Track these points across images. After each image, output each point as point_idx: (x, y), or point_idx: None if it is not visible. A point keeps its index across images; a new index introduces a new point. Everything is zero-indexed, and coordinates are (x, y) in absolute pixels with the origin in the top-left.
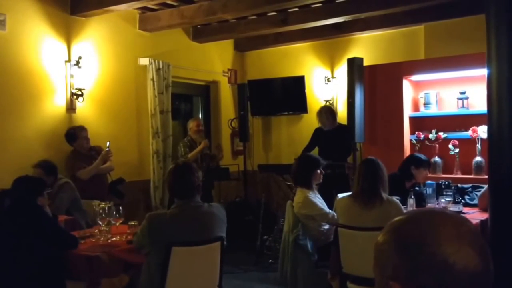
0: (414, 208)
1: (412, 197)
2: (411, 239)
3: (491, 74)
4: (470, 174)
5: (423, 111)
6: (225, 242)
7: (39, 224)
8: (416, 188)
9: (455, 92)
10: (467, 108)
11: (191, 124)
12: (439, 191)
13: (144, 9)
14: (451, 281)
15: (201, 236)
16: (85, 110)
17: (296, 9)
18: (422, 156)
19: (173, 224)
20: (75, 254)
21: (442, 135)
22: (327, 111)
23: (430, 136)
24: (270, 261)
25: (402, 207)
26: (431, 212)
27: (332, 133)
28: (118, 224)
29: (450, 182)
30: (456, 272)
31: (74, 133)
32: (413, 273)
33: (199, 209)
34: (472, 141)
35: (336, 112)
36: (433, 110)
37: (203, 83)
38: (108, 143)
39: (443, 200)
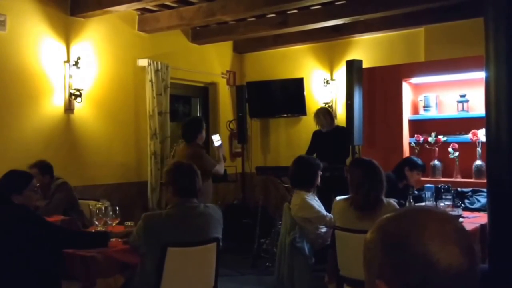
0: None
1: (411, 201)
2: (396, 237)
3: (489, 77)
4: (471, 178)
5: (423, 114)
6: (221, 243)
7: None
8: (415, 191)
9: (455, 95)
10: (467, 111)
11: None
12: (438, 195)
13: (143, 10)
14: (435, 280)
15: (197, 237)
16: (83, 111)
17: (296, 11)
18: (419, 160)
19: (169, 225)
20: (70, 254)
21: (441, 138)
22: (324, 112)
23: (430, 139)
24: (267, 264)
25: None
26: (416, 210)
27: (330, 135)
28: (114, 224)
29: (450, 186)
30: (440, 271)
31: (201, 123)
32: (398, 272)
33: (195, 209)
34: (472, 144)
35: (333, 113)
36: (432, 113)
37: (201, 85)
38: (218, 136)
39: (442, 204)
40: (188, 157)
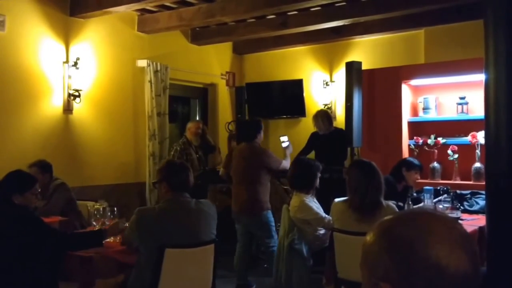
0: None
1: (410, 202)
2: (403, 241)
3: (489, 80)
4: (469, 180)
5: (422, 116)
6: (216, 239)
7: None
8: (414, 194)
9: (454, 97)
10: (467, 113)
11: (191, 125)
12: (437, 197)
13: (143, 11)
14: (443, 284)
15: (191, 231)
16: (82, 111)
17: (296, 12)
18: (415, 160)
19: (162, 219)
20: (69, 254)
21: (441, 140)
22: (323, 115)
23: (429, 141)
24: (265, 265)
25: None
26: (421, 213)
27: (328, 137)
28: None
29: (449, 188)
30: (449, 275)
31: (260, 124)
32: (406, 276)
33: (188, 204)
34: (471, 146)
35: (332, 116)
36: (432, 115)
37: (201, 86)
38: (286, 137)
39: (441, 206)
40: (252, 154)
